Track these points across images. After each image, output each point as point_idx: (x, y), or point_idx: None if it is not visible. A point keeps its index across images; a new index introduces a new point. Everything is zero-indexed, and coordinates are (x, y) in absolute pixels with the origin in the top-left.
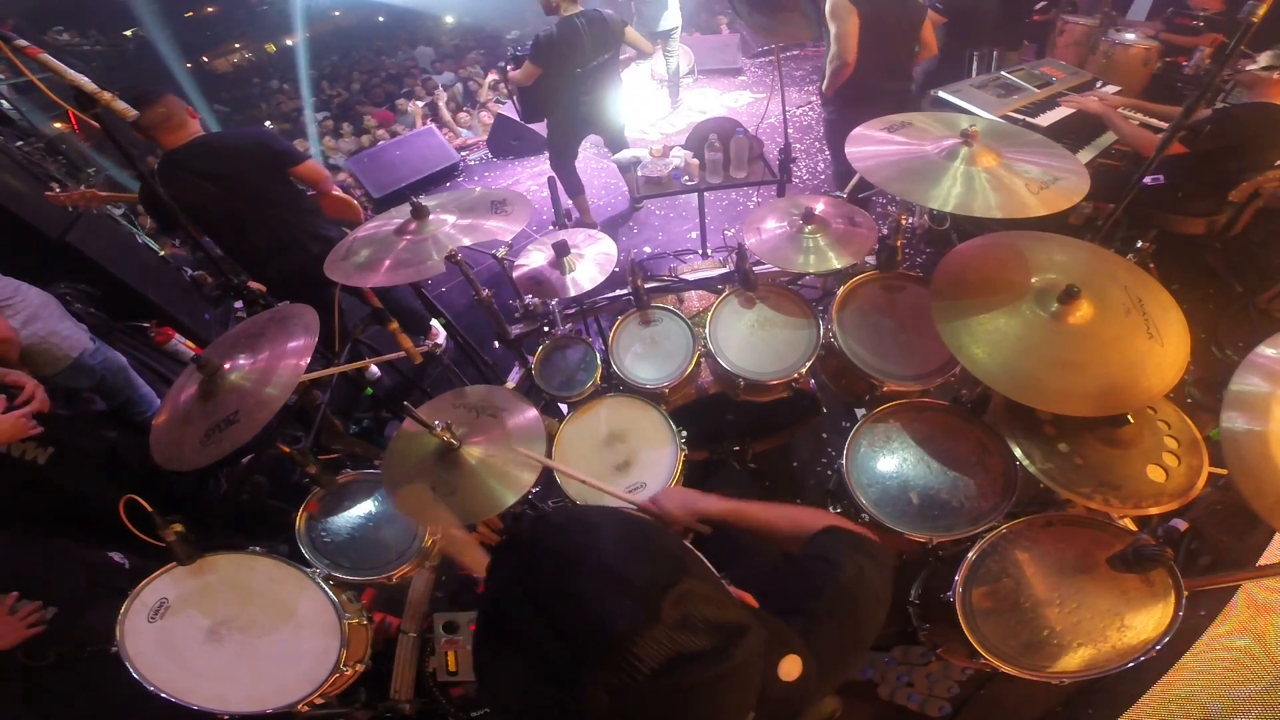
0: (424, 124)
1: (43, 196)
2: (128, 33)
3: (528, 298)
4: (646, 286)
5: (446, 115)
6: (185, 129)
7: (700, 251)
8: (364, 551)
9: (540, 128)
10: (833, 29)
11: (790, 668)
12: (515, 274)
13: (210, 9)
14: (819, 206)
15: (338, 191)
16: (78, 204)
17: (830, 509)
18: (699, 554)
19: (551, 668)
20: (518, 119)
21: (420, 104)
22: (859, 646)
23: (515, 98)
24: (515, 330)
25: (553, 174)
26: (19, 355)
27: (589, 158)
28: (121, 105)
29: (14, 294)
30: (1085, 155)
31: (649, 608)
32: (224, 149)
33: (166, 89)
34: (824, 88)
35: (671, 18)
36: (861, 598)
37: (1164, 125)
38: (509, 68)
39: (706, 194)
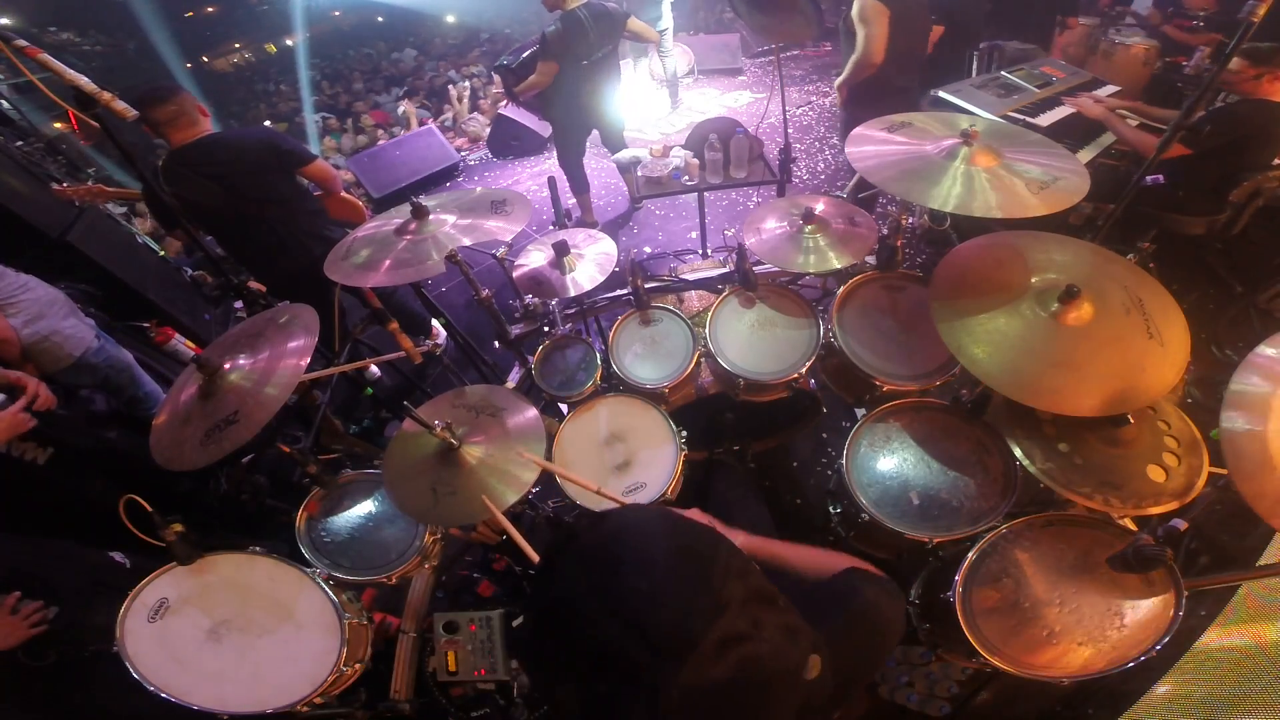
0: (420, 124)
1: (43, 196)
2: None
3: (528, 298)
4: (646, 286)
5: (461, 110)
6: (195, 127)
7: (700, 251)
8: (364, 551)
9: (539, 125)
10: (862, 31)
11: (812, 666)
12: (515, 274)
13: (210, 9)
14: (819, 206)
15: (345, 193)
16: (84, 198)
17: (830, 509)
18: (752, 561)
19: (626, 665)
20: (517, 119)
21: (415, 105)
22: (872, 666)
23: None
24: (515, 330)
25: (553, 174)
26: (19, 354)
27: (589, 156)
28: (121, 105)
29: (20, 291)
30: (1085, 155)
31: (721, 607)
32: (231, 148)
33: (179, 86)
34: (840, 83)
35: (663, 19)
36: (879, 621)
37: (1163, 128)
38: (511, 78)
39: (706, 194)
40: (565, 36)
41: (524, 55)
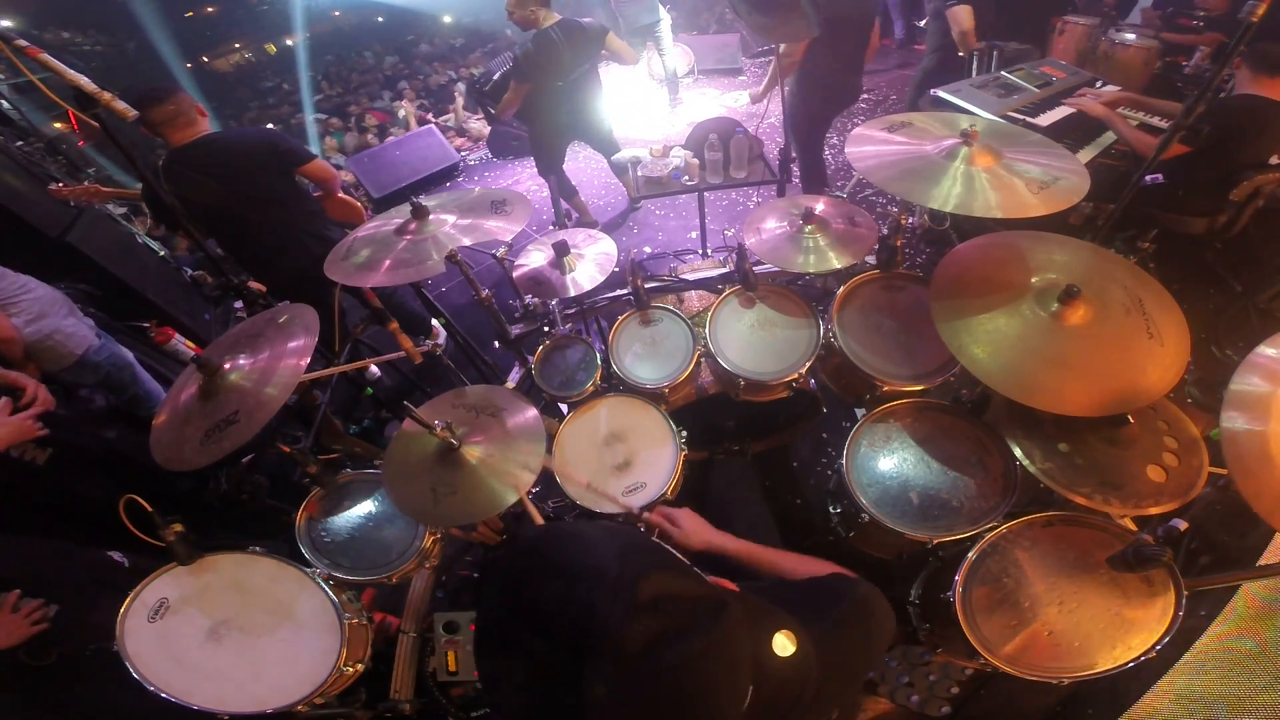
0: (419, 124)
1: (43, 196)
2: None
3: (528, 298)
4: (646, 286)
5: (461, 114)
6: (194, 127)
7: (700, 251)
8: (364, 551)
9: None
10: None
11: (784, 643)
12: (515, 274)
13: (210, 9)
14: (819, 206)
15: (343, 194)
16: (80, 199)
17: (830, 509)
18: (668, 547)
19: (548, 670)
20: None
21: (413, 105)
22: (869, 660)
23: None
24: (515, 330)
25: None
26: (22, 353)
27: (588, 157)
28: (121, 105)
29: (21, 291)
30: (1085, 155)
31: (623, 596)
32: (230, 148)
33: (177, 86)
34: (768, 80)
35: (651, 13)
36: (874, 613)
37: (1164, 125)
38: (488, 101)
39: (706, 194)
40: (536, 57)
41: (495, 77)
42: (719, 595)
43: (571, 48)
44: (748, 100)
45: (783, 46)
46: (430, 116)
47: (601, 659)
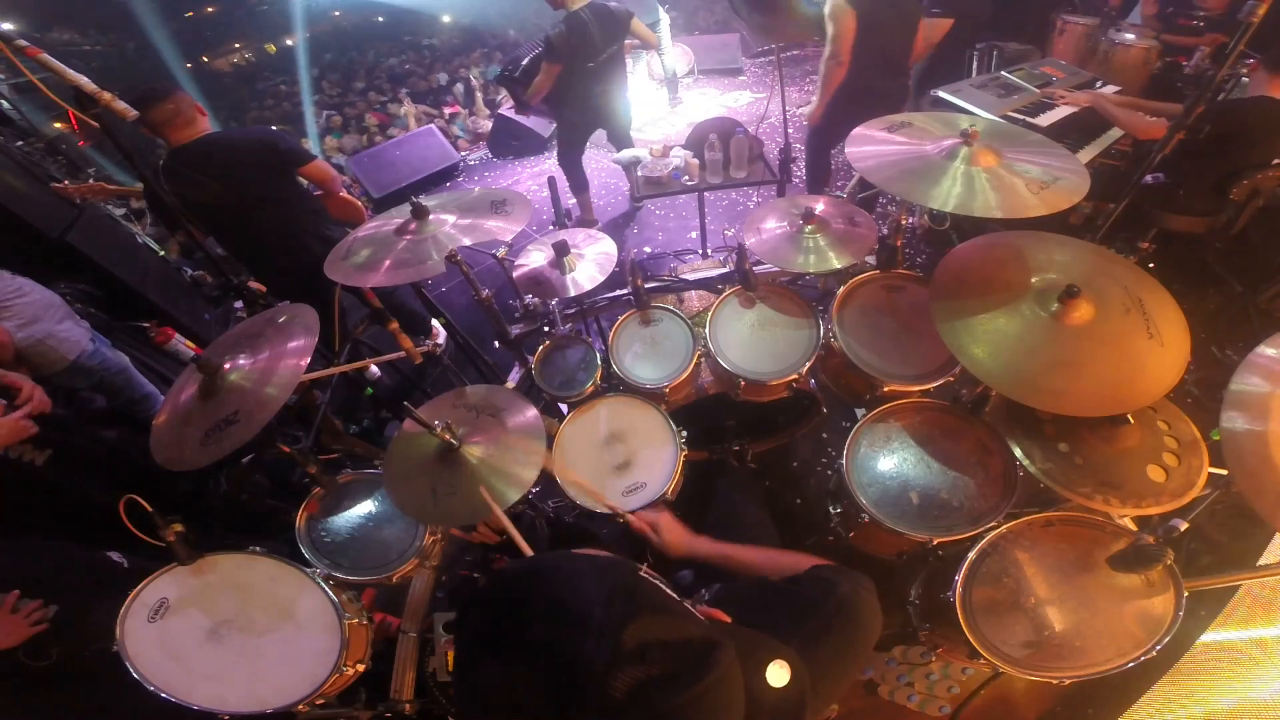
0: (417, 125)
1: (43, 196)
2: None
3: (528, 298)
4: (646, 286)
5: (465, 112)
6: (193, 126)
7: (700, 251)
8: (364, 551)
9: (539, 125)
10: (830, 29)
11: (778, 674)
12: (515, 274)
13: (210, 9)
14: (819, 206)
15: (344, 193)
16: (85, 196)
17: (830, 509)
18: (657, 580)
19: (533, 717)
20: (517, 119)
21: (413, 105)
22: (858, 659)
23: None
24: (515, 330)
25: (553, 174)
26: (12, 356)
27: (588, 156)
28: (121, 105)
29: (15, 295)
30: (1085, 155)
31: (607, 642)
32: (230, 148)
33: (176, 86)
34: (820, 89)
35: (650, 13)
36: (859, 612)
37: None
38: (518, 88)
39: (706, 194)
40: (569, 38)
41: (524, 63)
42: (710, 636)
43: (601, 28)
44: (802, 116)
45: (827, 51)
46: (431, 116)
47: (587, 710)
